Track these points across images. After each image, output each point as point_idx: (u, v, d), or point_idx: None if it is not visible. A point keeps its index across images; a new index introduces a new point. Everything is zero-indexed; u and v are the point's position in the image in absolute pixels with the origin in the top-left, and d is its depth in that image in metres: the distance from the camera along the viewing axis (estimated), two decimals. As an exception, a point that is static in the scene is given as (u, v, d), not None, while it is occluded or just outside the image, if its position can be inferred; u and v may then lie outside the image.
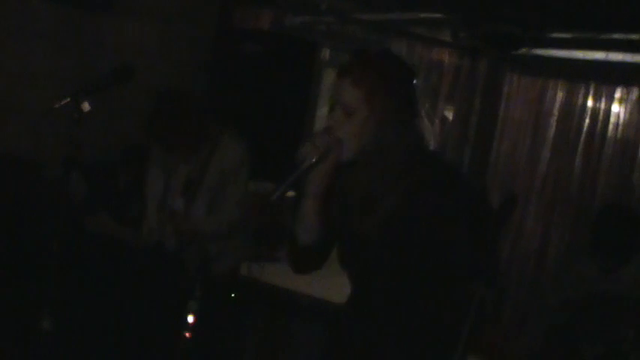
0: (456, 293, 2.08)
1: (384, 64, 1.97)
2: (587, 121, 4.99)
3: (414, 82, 2.03)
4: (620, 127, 4.90)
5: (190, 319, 4.32)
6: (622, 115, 4.90)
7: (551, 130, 5.17)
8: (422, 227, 1.92)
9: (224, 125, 3.36)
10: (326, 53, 5.77)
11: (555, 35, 4.86)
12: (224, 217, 3.25)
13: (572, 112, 5.07)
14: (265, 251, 5.47)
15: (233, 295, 4.41)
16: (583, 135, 4.99)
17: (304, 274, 2.25)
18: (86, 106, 2.64)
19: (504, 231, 4.99)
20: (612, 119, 4.93)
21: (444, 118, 5.61)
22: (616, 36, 4.52)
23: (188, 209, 3.29)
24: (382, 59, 1.99)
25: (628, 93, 4.89)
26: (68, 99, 2.63)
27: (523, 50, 5.12)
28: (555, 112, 5.16)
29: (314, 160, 1.93)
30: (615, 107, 4.95)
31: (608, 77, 4.93)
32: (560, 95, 5.14)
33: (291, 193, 6.17)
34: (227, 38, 5.31)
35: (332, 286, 3.95)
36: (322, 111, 5.48)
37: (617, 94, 4.93)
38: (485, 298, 2.34)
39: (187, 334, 3.96)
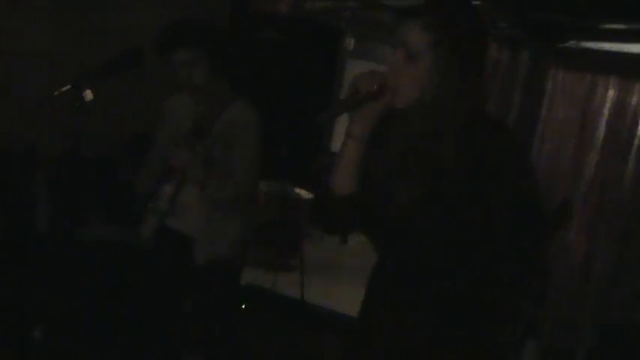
0: (503, 312, 2.01)
1: (459, 14, 1.94)
2: (641, 122, 4.92)
3: (487, 41, 2.00)
4: (679, 130, 4.83)
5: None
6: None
7: (600, 132, 5.08)
8: (470, 205, 1.91)
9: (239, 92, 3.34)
10: (350, 42, 5.69)
11: (607, 26, 4.79)
12: (229, 182, 3.15)
13: (624, 111, 4.97)
14: (279, 259, 5.45)
15: (244, 306, 4.41)
16: (637, 138, 4.90)
17: (336, 233, 2.24)
18: (89, 95, 2.61)
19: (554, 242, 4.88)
20: (671, 120, 4.89)
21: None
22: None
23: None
24: (458, 9, 1.96)
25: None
26: (69, 86, 2.60)
27: (570, 42, 5.11)
28: (605, 111, 5.06)
29: (364, 95, 1.91)
30: (674, 107, 4.91)
31: (666, 74, 4.88)
32: (611, 93, 5.06)
33: (309, 195, 6.02)
34: (243, 23, 5.19)
35: (347, 297, 3.90)
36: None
37: (677, 93, 4.88)
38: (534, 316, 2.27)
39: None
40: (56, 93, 2.57)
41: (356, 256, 5.81)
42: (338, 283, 5.51)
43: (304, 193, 5.72)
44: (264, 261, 5.28)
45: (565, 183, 5.18)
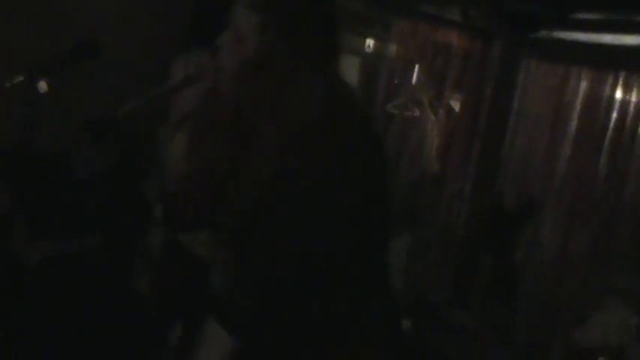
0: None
1: None
2: (614, 114, 4.87)
3: (331, 29, 1.85)
4: (653, 123, 4.81)
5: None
6: (656, 109, 4.82)
7: (573, 125, 5.07)
8: (305, 206, 1.73)
9: None
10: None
11: (580, 16, 4.79)
12: None
13: (597, 104, 4.95)
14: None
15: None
16: (610, 131, 4.87)
17: (184, 231, 2.15)
18: (43, 87, 2.57)
19: (519, 240, 4.91)
20: (645, 113, 4.86)
21: (449, 109, 5.55)
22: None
23: None
24: None
25: (664, 84, 4.81)
26: (21, 77, 2.54)
27: (543, 32, 5.10)
28: (578, 104, 5.06)
29: (180, 80, 1.87)
30: (649, 99, 4.89)
31: (641, 65, 4.85)
32: (584, 85, 5.05)
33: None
34: (208, 7, 5.14)
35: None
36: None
37: (652, 85, 4.85)
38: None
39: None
40: (8, 84, 2.50)
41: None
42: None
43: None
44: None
45: (538, 178, 5.20)
